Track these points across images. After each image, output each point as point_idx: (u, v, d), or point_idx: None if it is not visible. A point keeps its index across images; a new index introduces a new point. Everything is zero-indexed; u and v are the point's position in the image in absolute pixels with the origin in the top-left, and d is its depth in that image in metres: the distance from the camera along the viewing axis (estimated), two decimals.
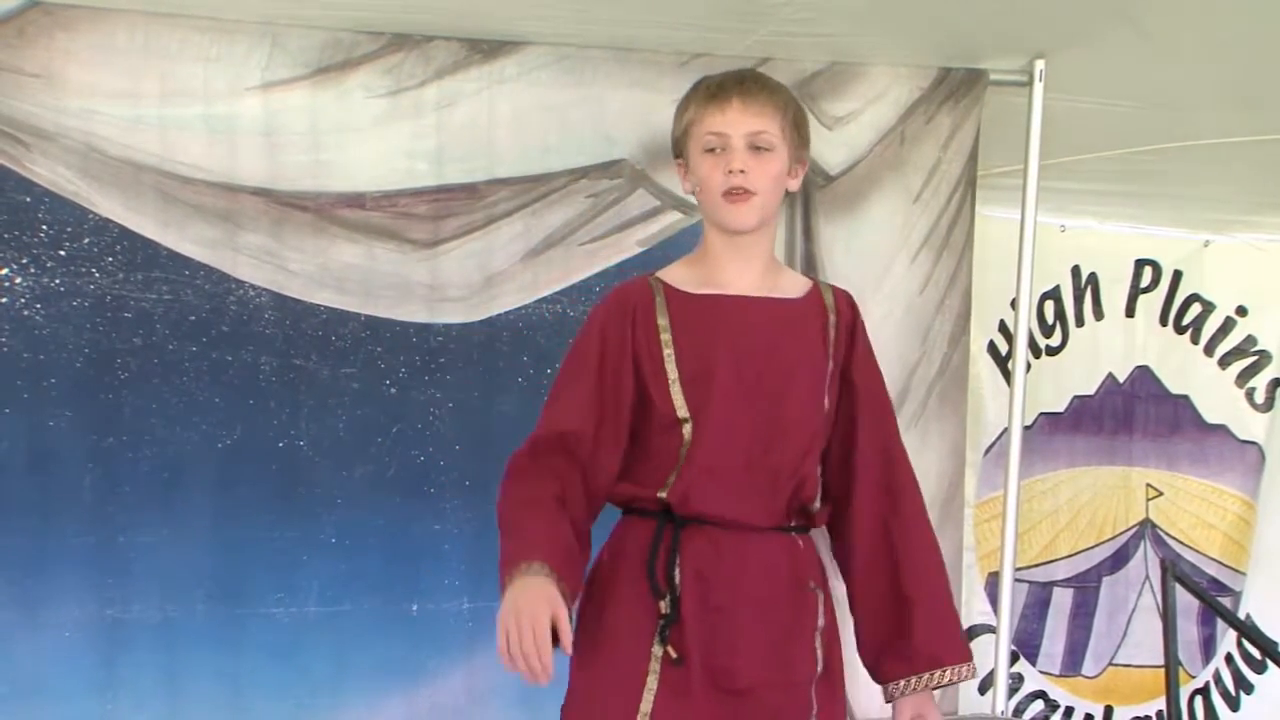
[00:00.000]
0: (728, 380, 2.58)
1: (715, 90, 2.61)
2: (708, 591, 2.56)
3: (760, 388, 2.60)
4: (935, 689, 2.69)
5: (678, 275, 2.68)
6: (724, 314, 2.63)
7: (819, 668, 2.65)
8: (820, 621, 2.67)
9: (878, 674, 2.71)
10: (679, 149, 2.68)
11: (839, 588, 2.76)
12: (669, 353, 2.59)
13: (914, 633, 2.65)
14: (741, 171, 2.57)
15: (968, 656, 2.71)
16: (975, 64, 3.99)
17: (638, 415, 2.61)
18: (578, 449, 2.55)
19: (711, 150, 2.59)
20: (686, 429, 2.57)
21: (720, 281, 2.65)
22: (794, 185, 2.70)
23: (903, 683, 2.67)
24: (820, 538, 2.77)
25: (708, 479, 2.58)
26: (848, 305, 2.74)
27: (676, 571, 2.56)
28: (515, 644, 2.32)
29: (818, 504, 2.70)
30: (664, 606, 2.54)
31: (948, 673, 2.67)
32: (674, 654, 2.52)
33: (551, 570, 2.40)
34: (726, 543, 2.58)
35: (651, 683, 2.53)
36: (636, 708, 2.51)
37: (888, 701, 2.72)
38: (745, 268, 2.66)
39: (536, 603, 2.35)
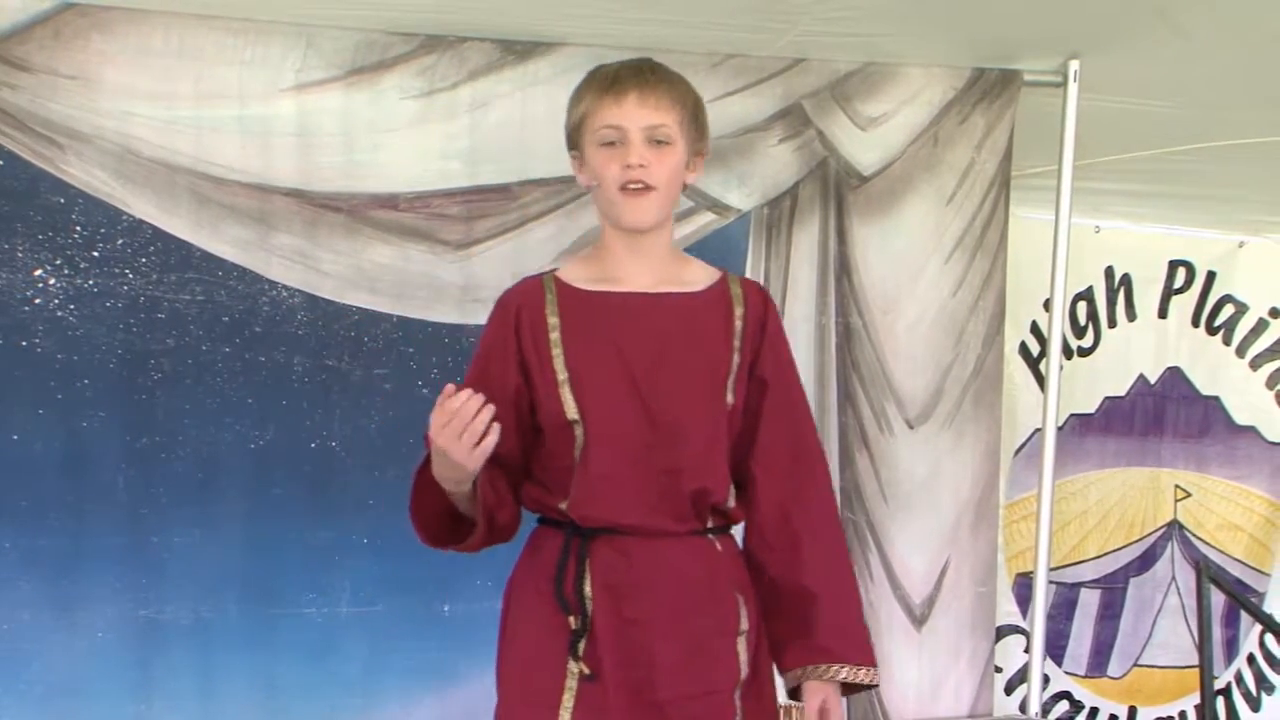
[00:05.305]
0: (612, 380, 2.51)
1: (611, 82, 2.53)
2: (620, 603, 2.49)
3: (650, 388, 2.52)
4: (838, 682, 2.59)
5: (573, 272, 2.62)
6: (613, 311, 2.55)
7: (743, 672, 2.57)
8: (744, 625, 2.58)
9: (781, 665, 2.63)
10: (574, 142, 2.60)
11: None
12: (557, 352, 2.53)
13: (817, 631, 2.58)
14: (641, 165, 2.50)
15: (871, 660, 2.62)
16: (1009, 64, 3.97)
17: (533, 416, 2.56)
18: None
19: (610, 144, 2.52)
20: (578, 431, 2.51)
21: (616, 278, 2.58)
22: (692, 178, 2.64)
23: (809, 668, 2.59)
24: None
25: (605, 486, 2.51)
26: (759, 297, 2.66)
27: (586, 585, 2.50)
28: (452, 414, 2.34)
29: (731, 502, 2.62)
30: (574, 622, 2.49)
31: (847, 670, 2.57)
32: (586, 670, 2.47)
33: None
34: (637, 551, 2.50)
35: (568, 700, 2.48)
36: None
37: (789, 689, 2.64)
38: (643, 265, 2.59)
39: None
